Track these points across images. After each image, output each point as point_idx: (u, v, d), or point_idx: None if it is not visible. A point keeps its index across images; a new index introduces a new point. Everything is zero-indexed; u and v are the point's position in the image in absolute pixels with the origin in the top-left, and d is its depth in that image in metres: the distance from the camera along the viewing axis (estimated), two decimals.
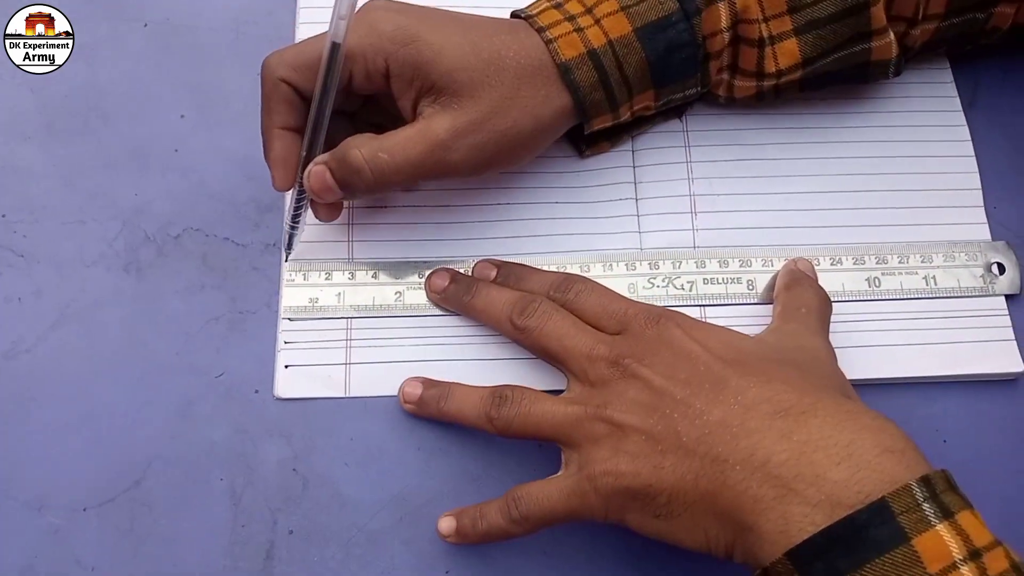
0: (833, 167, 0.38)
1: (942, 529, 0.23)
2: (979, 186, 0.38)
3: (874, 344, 0.35)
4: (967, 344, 0.35)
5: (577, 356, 0.31)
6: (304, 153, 0.33)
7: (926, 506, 0.24)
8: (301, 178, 0.33)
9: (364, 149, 0.32)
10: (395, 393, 0.34)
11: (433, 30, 0.32)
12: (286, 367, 0.35)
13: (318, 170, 0.32)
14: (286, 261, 0.36)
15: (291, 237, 0.35)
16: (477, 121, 0.32)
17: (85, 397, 0.34)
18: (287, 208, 0.35)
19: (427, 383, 0.34)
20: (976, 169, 0.38)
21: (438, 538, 0.32)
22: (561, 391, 0.32)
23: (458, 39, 0.32)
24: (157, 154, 0.38)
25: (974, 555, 0.23)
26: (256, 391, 0.35)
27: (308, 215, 0.35)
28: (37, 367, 0.35)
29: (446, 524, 0.32)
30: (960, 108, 0.39)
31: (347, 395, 0.34)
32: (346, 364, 0.35)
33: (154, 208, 0.37)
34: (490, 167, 0.33)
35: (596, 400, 0.30)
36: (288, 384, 0.34)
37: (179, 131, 0.39)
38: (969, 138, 0.39)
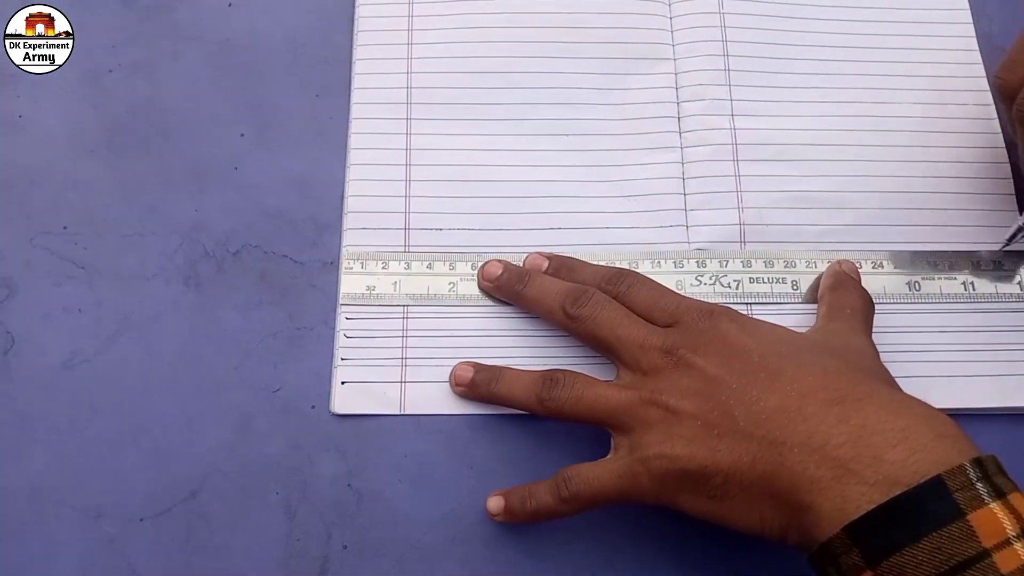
0: (876, 169, 0.39)
1: (995, 507, 0.24)
2: (1012, 191, 0.39)
3: (918, 375, 0.35)
4: (1016, 376, 0.35)
5: (630, 345, 0.32)
6: None
7: (979, 485, 0.24)
8: None
9: None
10: (449, 412, 0.35)
11: None
12: (343, 384, 0.35)
13: None
14: (1000, 248, 0.37)
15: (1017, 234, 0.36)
16: None
17: (143, 409, 0.35)
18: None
19: (478, 367, 0.35)
20: (1010, 175, 0.39)
21: (491, 556, 0.33)
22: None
23: None
24: (216, 171, 0.39)
25: None
26: (313, 407, 0.35)
27: None
28: (96, 378, 0.35)
29: (495, 503, 0.32)
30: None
31: (402, 412, 0.35)
32: (401, 383, 0.35)
33: (213, 224, 0.38)
34: None
35: (650, 386, 0.30)
36: (345, 400, 0.35)
37: (238, 149, 0.39)
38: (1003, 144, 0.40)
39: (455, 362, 0.35)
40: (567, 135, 0.40)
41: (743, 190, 0.38)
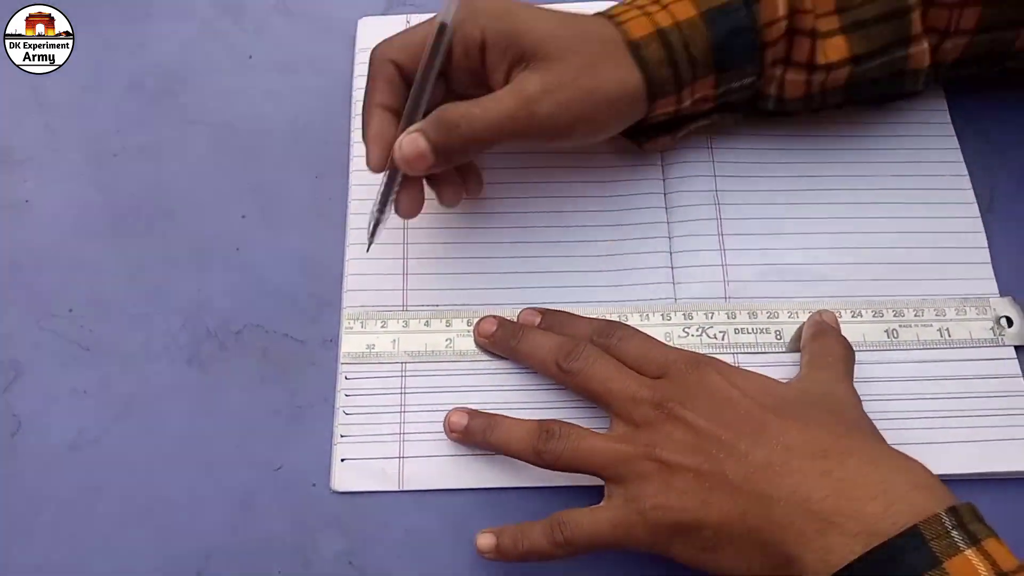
0: (850, 226, 0.41)
1: (970, 554, 0.25)
2: (986, 244, 0.40)
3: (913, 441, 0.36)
4: (996, 443, 0.36)
5: (621, 398, 0.33)
6: (402, 129, 0.35)
7: (955, 533, 0.26)
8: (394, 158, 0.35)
9: (459, 107, 0.34)
10: (447, 487, 0.36)
11: (525, 8, 0.35)
12: (342, 460, 0.36)
13: (412, 137, 0.34)
14: (367, 251, 0.37)
15: (376, 224, 0.36)
16: (565, 80, 0.34)
17: (147, 488, 0.36)
18: (377, 194, 0.36)
19: (473, 413, 0.36)
20: (983, 230, 0.41)
21: None
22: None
23: (547, 15, 0.36)
24: (219, 252, 0.40)
25: None
26: (313, 484, 0.36)
27: (391, 215, 0.37)
28: (101, 458, 0.36)
29: (485, 540, 0.33)
30: (966, 173, 0.42)
31: (401, 489, 0.36)
32: (399, 458, 0.36)
33: (216, 304, 0.39)
34: (572, 130, 0.36)
35: (643, 440, 0.32)
36: (344, 478, 0.36)
37: (240, 230, 0.41)
38: (974, 200, 0.41)
39: (453, 391, 0.37)
40: (562, 227, 0.41)
41: (729, 280, 0.40)
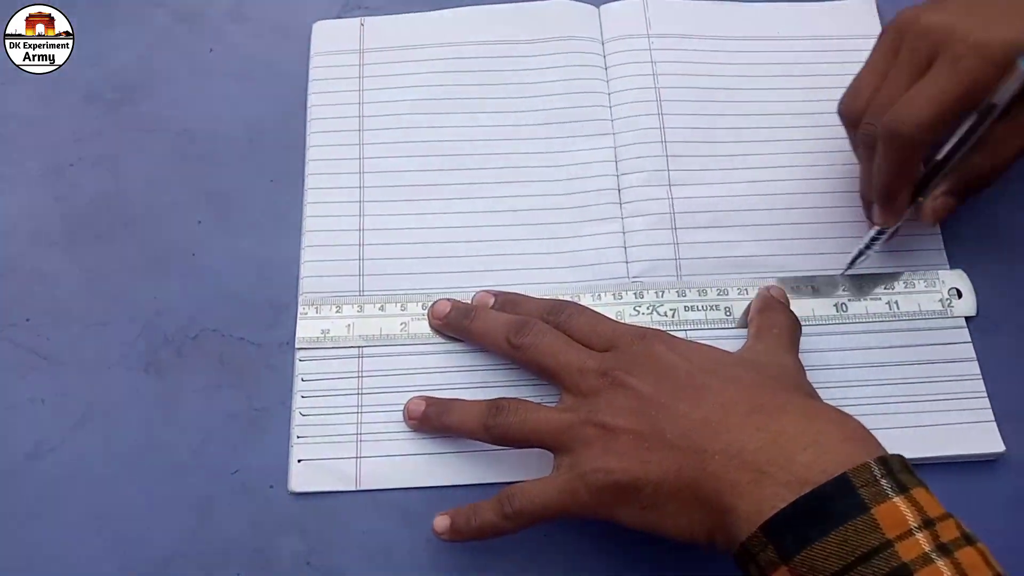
0: (803, 231, 0.41)
1: (898, 501, 0.26)
2: (939, 231, 0.41)
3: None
4: (949, 427, 0.37)
5: (569, 370, 0.34)
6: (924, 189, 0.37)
7: (883, 481, 0.26)
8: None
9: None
10: (404, 485, 0.36)
11: None
12: (299, 461, 0.36)
13: (943, 201, 0.37)
14: (846, 271, 0.40)
15: (859, 257, 0.39)
16: None
17: (106, 495, 0.36)
18: (867, 235, 0.39)
19: (429, 400, 0.37)
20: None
21: None
22: None
23: None
24: (175, 258, 0.40)
25: (928, 524, 0.26)
26: (271, 486, 0.36)
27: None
28: (60, 467, 0.36)
29: (441, 522, 0.33)
30: None
31: (358, 488, 0.36)
32: (356, 458, 0.36)
33: (173, 310, 0.39)
34: None
35: (587, 407, 0.33)
36: (302, 479, 0.36)
37: (196, 236, 0.41)
38: None
39: (410, 373, 0.38)
40: (514, 211, 0.41)
41: (681, 257, 0.40)
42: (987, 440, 0.37)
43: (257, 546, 0.35)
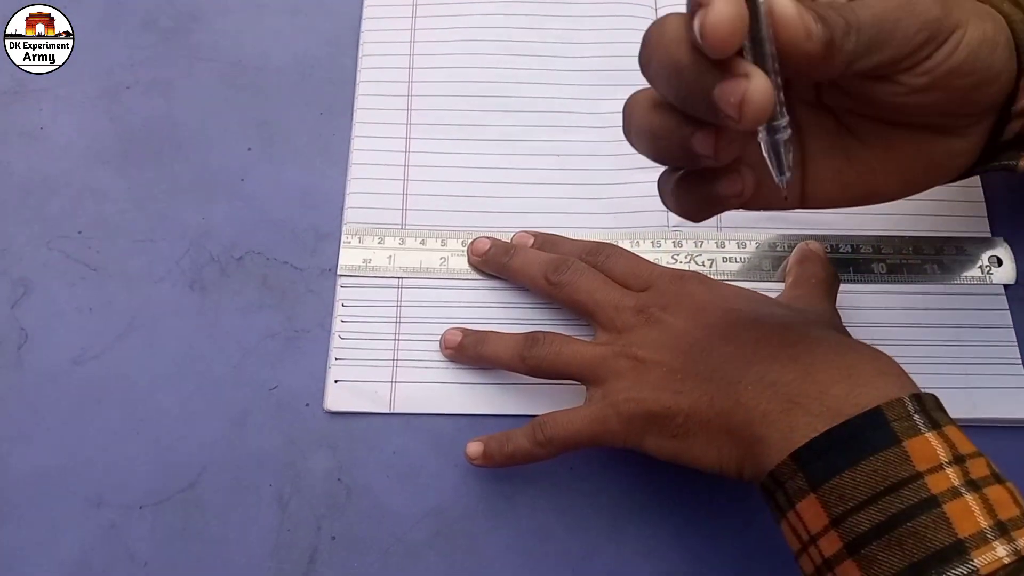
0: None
1: (930, 436, 0.26)
2: (979, 183, 0.41)
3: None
4: (982, 390, 0.37)
5: (606, 307, 0.35)
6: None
7: (916, 417, 0.26)
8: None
9: None
10: (436, 411, 0.37)
11: None
12: (336, 382, 0.37)
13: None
14: (787, 179, 0.26)
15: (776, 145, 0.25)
16: None
17: (146, 403, 0.37)
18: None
19: (466, 331, 0.37)
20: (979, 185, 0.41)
21: (473, 549, 0.34)
22: None
23: None
24: (224, 182, 0.41)
25: (958, 460, 0.26)
26: (307, 404, 0.37)
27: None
28: (103, 373, 0.37)
29: (474, 448, 0.34)
30: None
31: (391, 411, 0.37)
32: (391, 383, 0.37)
33: (219, 231, 0.40)
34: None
35: (622, 341, 0.33)
36: (337, 398, 0.37)
37: (246, 162, 0.42)
38: None
39: (448, 306, 0.39)
40: (557, 155, 0.42)
41: None
42: (1020, 405, 0.37)
43: (290, 460, 0.36)
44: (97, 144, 0.42)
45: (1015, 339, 0.38)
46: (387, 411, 0.37)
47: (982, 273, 0.39)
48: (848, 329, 0.35)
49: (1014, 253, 0.40)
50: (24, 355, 0.38)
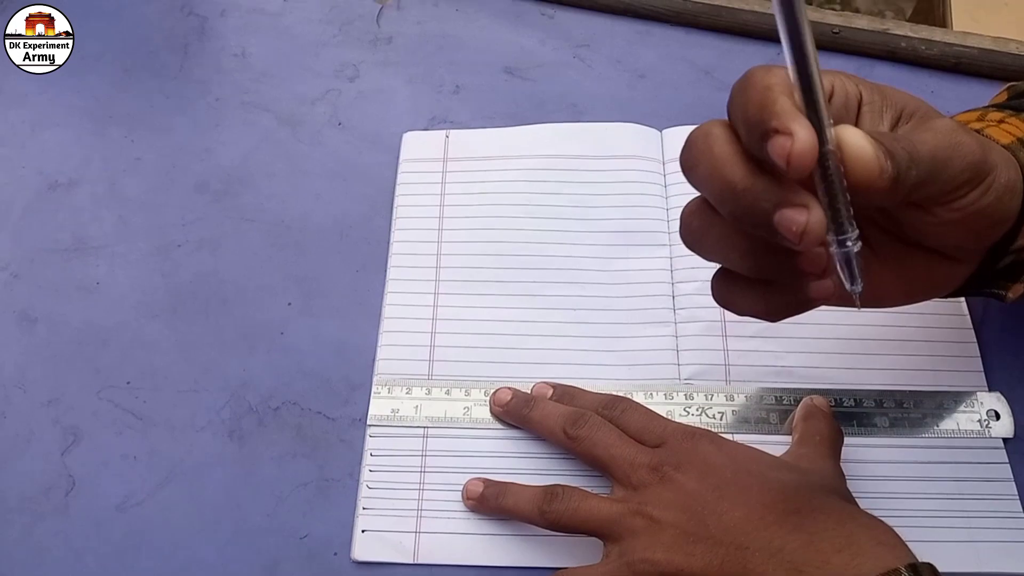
0: (850, 346, 0.43)
1: None
2: (974, 339, 0.43)
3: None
4: (984, 544, 0.38)
5: (621, 463, 0.36)
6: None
7: None
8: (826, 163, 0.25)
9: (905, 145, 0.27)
10: (458, 563, 0.38)
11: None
12: (363, 531, 0.39)
13: (864, 138, 0.26)
14: (859, 289, 0.28)
15: (847, 256, 0.27)
16: (961, 135, 0.28)
17: (184, 551, 0.39)
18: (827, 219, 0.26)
19: (488, 482, 0.39)
20: (970, 326, 0.43)
21: None
22: None
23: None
24: (265, 335, 0.44)
25: None
26: (335, 553, 0.38)
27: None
28: (145, 520, 0.39)
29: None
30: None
31: (416, 562, 0.38)
32: (416, 532, 0.39)
33: (258, 382, 0.43)
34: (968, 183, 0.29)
35: (637, 499, 0.35)
36: (364, 548, 0.38)
37: (286, 316, 0.45)
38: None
39: (471, 456, 0.41)
40: (574, 309, 0.45)
41: (731, 364, 0.43)
42: (1022, 559, 0.38)
43: None
44: (148, 298, 0.46)
45: (1016, 492, 0.39)
46: (411, 562, 0.38)
47: (981, 427, 0.41)
48: (853, 482, 0.37)
49: (1011, 407, 0.41)
50: (71, 501, 0.40)
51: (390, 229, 0.47)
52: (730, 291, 0.30)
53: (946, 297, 0.36)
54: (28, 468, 0.41)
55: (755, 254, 0.28)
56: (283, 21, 0.57)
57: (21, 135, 0.52)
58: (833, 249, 0.27)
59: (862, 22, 0.54)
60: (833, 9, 1.68)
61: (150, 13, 0.57)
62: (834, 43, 0.54)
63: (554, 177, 0.49)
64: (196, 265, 0.47)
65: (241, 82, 0.54)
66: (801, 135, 0.24)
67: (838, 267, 0.27)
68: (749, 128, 0.25)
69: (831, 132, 0.25)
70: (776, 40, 0.25)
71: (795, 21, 0.24)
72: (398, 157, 0.50)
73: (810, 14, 0.53)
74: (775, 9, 0.24)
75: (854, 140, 0.26)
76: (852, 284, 0.28)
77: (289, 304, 0.45)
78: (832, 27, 0.54)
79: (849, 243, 0.27)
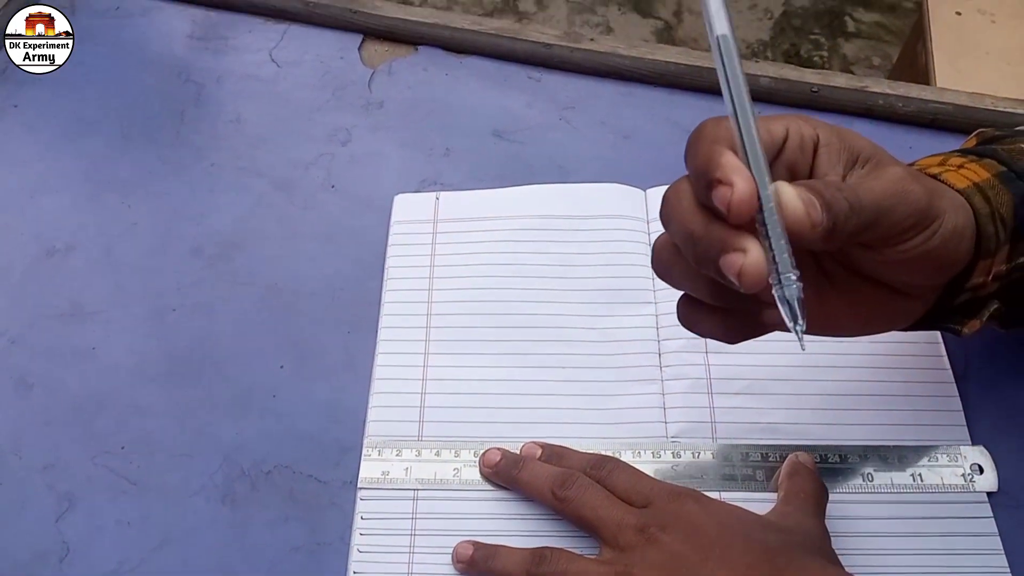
0: (830, 375, 0.44)
1: None
2: (956, 393, 0.44)
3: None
4: None
5: (609, 524, 0.37)
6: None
7: None
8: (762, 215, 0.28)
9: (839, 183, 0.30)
10: None
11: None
12: None
13: (806, 195, 0.28)
14: (801, 328, 0.29)
15: (788, 295, 0.28)
16: (915, 184, 0.30)
17: None
18: (772, 265, 0.28)
19: (477, 545, 0.39)
20: (952, 380, 0.44)
21: None
22: None
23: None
24: (258, 399, 0.45)
25: None
26: None
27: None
28: None
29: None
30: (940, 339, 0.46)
31: None
32: None
33: (251, 446, 0.43)
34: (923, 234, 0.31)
35: (624, 561, 0.35)
36: None
37: (278, 379, 0.46)
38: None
39: (462, 517, 0.41)
40: (563, 367, 0.45)
41: (717, 421, 0.43)
42: None
43: None
44: (143, 363, 0.47)
45: (1000, 547, 0.39)
46: None
47: (965, 481, 0.41)
48: (838, 538, 0.37)
49: (995, 461, 0.42)
50: (65, 568, 0.40)
51: (381, 290, 0.48)
52: (695, 315, 0.34)
53: (906, 330, 0.38)
54: (22, 534, 0.41)
55: (714, 285, 0.31)
56: (277, 87, 0.58)
57: (20, 201, 0.53)
58: (775, 291, 0.29)
59: (840, 80, 0.56)
60: (820, 55, 1.72)
61: (149, 80, 0.59)
62: (813, 101, 0.55)
63: (542, 237, 0.50)
64: (191, 329, 0.48)
65: (237, 147, 0.55)
66: (740, 186, 0.27)
67: (779, 307, 0.29)
68: (698, 178, 0.29)
69: (769, 183, 0.28)
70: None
71: (733, 81, 0.28)
72: (389, 219, 0.51)
73: (789, 74, 0.55)
74: (718, 73, 0.28)
75: (786, 197, 0.28)
76: (793, 323, 0.29)
77: (281, 367, 0.46)
78: (811, 86, 0.55)
79: (787, 286, 0.28)
